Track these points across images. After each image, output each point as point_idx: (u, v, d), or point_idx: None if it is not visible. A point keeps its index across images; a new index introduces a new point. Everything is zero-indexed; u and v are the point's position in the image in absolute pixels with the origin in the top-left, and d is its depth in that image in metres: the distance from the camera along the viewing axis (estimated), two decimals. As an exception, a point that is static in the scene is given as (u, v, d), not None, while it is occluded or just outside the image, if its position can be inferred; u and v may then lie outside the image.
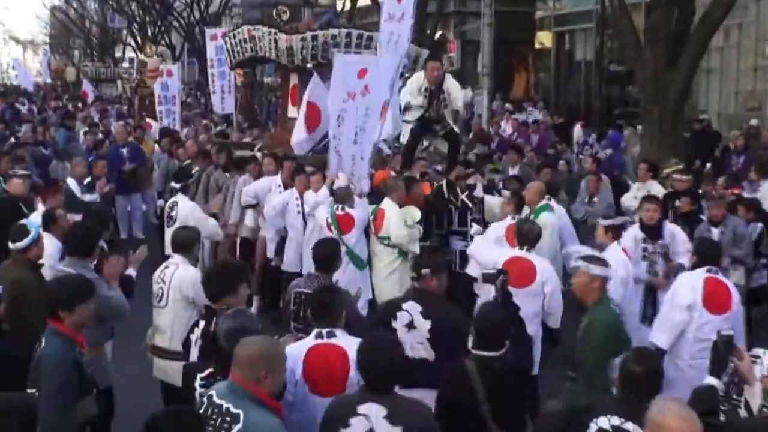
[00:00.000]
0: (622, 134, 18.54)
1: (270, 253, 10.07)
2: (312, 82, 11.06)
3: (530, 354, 6.41)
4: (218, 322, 4.63)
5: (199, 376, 4.36)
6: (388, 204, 8.67)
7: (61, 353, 4.50)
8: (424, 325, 5.38)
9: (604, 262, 5.64)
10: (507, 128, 20.79)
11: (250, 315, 4.73)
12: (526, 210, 8.51)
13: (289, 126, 12.05)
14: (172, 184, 10.02)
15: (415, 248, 8.39)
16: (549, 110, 24.12)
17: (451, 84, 10.15)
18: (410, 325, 5.37)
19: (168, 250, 8.67)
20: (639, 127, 17.17)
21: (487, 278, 6.05)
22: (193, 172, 11.62)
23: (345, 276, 8.15)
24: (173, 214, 9.28)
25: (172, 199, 9.57)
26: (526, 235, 7.05)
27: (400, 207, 8.65)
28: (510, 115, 22.18)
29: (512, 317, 5.42)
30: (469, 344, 4.72)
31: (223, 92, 18.69)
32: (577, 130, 20.05)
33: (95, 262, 6.12)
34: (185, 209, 9.22)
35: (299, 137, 11.18)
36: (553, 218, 8.52)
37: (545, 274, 6.91)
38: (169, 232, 8.93)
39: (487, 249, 7.41)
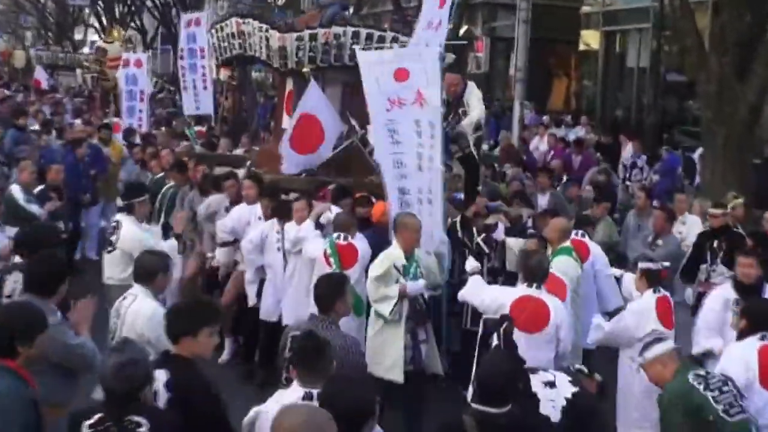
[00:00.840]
0: (679, 157, 18.64)
1: (251, 301, 10.05)
2: (310, 89, 11.14)
3: (538, 411, 6.54)
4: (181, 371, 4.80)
5: (86, 423, 4.45)
6: (391, 247, 8.31)
7: (19, 392, 4.57)
8: (569, 387, 5.67)
9: (661, 338, 6.00)
10: (541, 145, 20.91)
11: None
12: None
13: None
14: (118, 201, 9.96)
15: (383, 310, 7.99)
16: (593, 125, 24.24)
17: (473, 95, 10.34)
18: (551, 384, 5.64)
19: (105, 277, 8.84)
20: (699, 150, 17.29)
21: (490, 325, 6.13)
22: (165, 188, 11.78)
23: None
24: (113, 238, 8.98)
25: (115, 218, 9.35)
26: (533, 270, 7.15)
27: (406, 253, 8.17)
28: (546, 130, 22.33)
29: (520, 369, 5.59)
30: (468, 396, 4.87)
31: (196, 88, 18.77)
32: (628, 150, 20.13)
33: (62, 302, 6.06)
34: (129, 234, 8.88)
35: (292, 158, 11.21)
36: (572, 268, 8.48)
37: (559, 316, 7.04)
38: (107, 259, 9.00)
39: (486, 289, 7.52)
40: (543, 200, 12.73)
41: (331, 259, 8.71)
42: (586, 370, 6.21)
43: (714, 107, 14.04)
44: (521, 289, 7.17)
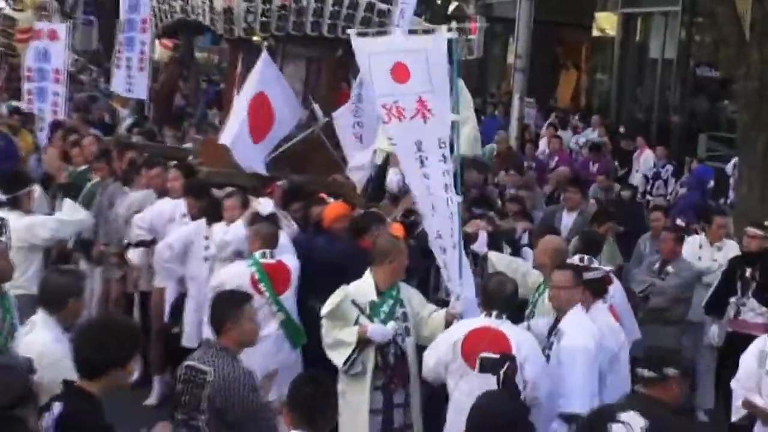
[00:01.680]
0: (711, 170, 18.76)
1: (162, 320, 9.98)
2: (260, 64, 10.96)
3: None
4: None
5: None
6: (362, 278, 8.02)
7: None
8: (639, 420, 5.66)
9: None
10: (545, 148, 21.02)
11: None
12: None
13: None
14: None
15: (336, 359, 7.73)
16: (607, 126, 24.35)
17: (460, 98, 10.12)
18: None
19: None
20: (734, 160, 17.38)
21: (487, 365, 6.24)
22: (90, 184, 11.67)
23: (278, 357, 8.22)
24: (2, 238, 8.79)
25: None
26: (491, 296, 7.19)
27: (381, 287, 7.93)
28: (552, 131, 22.40)
29: (524, 415, 5.65)
30: None
31: (131, 68, 18.67)
32: (647, 158, 20.22)
33: None
34: (18, 225, 8.88)
35: (243, 147, 11.02)
36: None
37: (523, 351, 6.95)
38: None
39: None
40: (569, 220, 12.47)
41: (261, 285, 8.55)
42: None
43: (753, 109, 14.06)
44: (479, 320, 7.22)
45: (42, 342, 6.16)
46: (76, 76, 28.82)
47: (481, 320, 7.19)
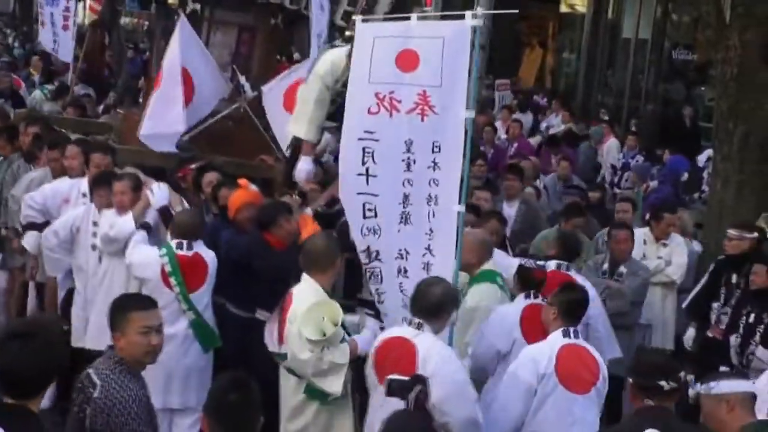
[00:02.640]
0: (686, 161, 18.72)
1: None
2: (179, 30, 10.74)
3: None
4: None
5: None
6: (302, 285, 7.74)
7: None
8: None
9: (743, 375, 6.08)
10: (500, 134, 20.92)
11: None
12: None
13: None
14: None
15: (333, 386, 7.41)
16: (572, 113, 24.30)
17: None
18: None
19: None
20: (708, 152, 17.36)
21: (395, 388, 6.18)
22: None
23: (185, 360, 8.10)
24: None
25: None
26: (414, 301, 7.01)
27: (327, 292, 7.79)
28: (510, 114, 22.29)
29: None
30: None
31: (55, 25, 18.62)
32: (611, 147, 20.16)
33: None
34: None
35: (163, 124, 10.76)
36: (496, 302, 8.24)
37: (429, 367, 6.75)
38: None
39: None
40: (510, 210, 12.42)
41: (172, 279, 8.41)
42: None
43: (731, 97, 14.04)
44: (399, 328, 7.09)
45: None
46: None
47: (401, 329, 7.04)
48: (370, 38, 7.74)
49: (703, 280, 10.52)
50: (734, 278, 10.10)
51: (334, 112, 9.68)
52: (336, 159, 10.61)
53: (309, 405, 7.61)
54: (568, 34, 30.51)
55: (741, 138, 13.89)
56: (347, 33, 11.88)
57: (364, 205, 7.74)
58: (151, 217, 9.14)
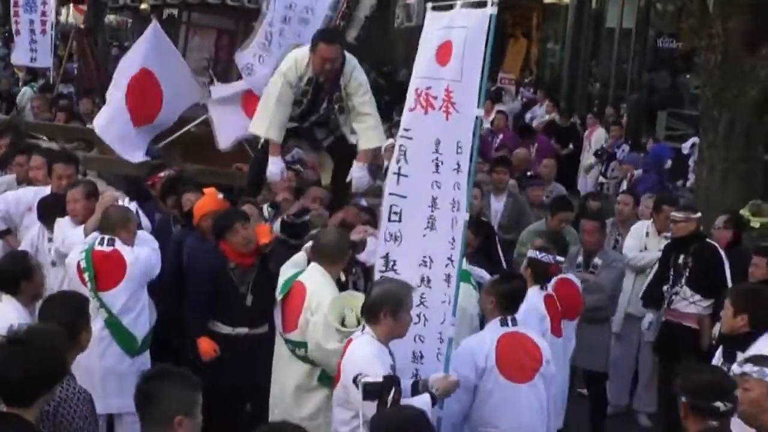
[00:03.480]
0: (669, 148, 18.70)
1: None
2: (150, 32, 10.56)
3: None
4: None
5: None
6: (315, 275, 7.84)
7: None
8: None
9: None
10: (485, 123, 20.85)
11: None
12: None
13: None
14: None
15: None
16: (556, 103, 24.25)
17: (355, 79, 9.62)
18: None
19: None
20: (693, 140, 17.35)
21: (369, 392, 6.17)
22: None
23: (103, 362, 7.92)
24: None
25: None
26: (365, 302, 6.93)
27: (339, 285, 7.87)
28: (493, 105, 22.22)
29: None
30: None
31: (33, 33, 18.47)
32: (599, 137, 20.13)
33: None
34: None
35: (122, 131, 10.61)
36: (471, 302, 8.06)
37: (349, 369, 6.67)
38: None
39: None
40: (498, 204, 12.38)
41: (85, 275, 8.12)
42: None
43: (716, 85, 14.04)
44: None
45: None
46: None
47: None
48: (429, 32, 7.19)
49: (655, 267, 10.55)
50: (681, 258, 10.09)
51: (301, 114, 9.59)
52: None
53: (320, 391, 7.72)
54: (552, 25, 30.46)
55: (726, 125, 13.91)
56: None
57: (391, 207, 7.26)
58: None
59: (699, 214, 10.47)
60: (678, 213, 10.36)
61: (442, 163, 6.98)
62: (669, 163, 17.94)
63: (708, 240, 10.33)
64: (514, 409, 7.16)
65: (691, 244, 10.10)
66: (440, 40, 6.97)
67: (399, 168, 7.18)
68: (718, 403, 5.60)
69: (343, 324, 7.38)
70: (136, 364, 8.17)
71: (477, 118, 6.85)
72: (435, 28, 7.12)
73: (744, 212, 11.43)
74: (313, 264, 7.92)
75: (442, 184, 7.01)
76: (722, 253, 10.07)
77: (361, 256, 8.53)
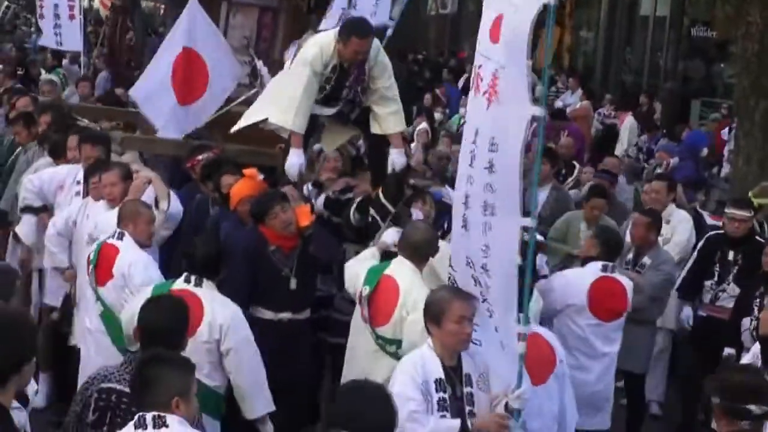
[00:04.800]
0: (704, 135, 18.63)
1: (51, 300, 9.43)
2: (188, 11, 10.46)
3: None
4: None
5: None
6: (406, 272, 7.68)
7: None
8: None
9: None
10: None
11: None
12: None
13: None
14: None
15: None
16: (590, 91, 24.18)
17: (380, 62, 9.28)
18: None
19: None
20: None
21: None
22: (17, 151, 11.35)
23: (98, 358, 7.64)
24: None
25: None
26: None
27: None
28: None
29: None
30: None
31: (59, 17, 18.37)
32: (629, 125, 20.04)
33: None
34: None
35: (167, 108, 10.51)
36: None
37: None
38: None
39: None
40: (540, 197, 11.19)
41: (90, 267, 8.04)
42: None
43: (753, 74, 14.01)
44: None
45: None
46: (6, 25, 28.63)
47: None
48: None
49: (692, 259, 10.23)
50: (731, 255, 9.89)
51: (324, 98, 9.26)
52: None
53: None
54: (585, 12, 30.36)
55: (763, 114, 13.88)
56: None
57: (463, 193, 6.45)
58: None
59: (753, 213, 10.27)
60: (738, 211, 10.01)
61: (474, 158, 6.17)
62: (705, 151, 17.88)
63: (758, 238, 10.10)
64: (530, 413, 6.76)
65: (743, 241, 9.88)
66: (496, 11, 6.07)
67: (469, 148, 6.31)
68: (752, 406, 5.41)
69: None
70: None
71: (531, 117, 5.72)
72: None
73: (753, 193, 11.25)
74: (400, 258, 7.75)
75: (474, 182, 6.21)
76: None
77: None
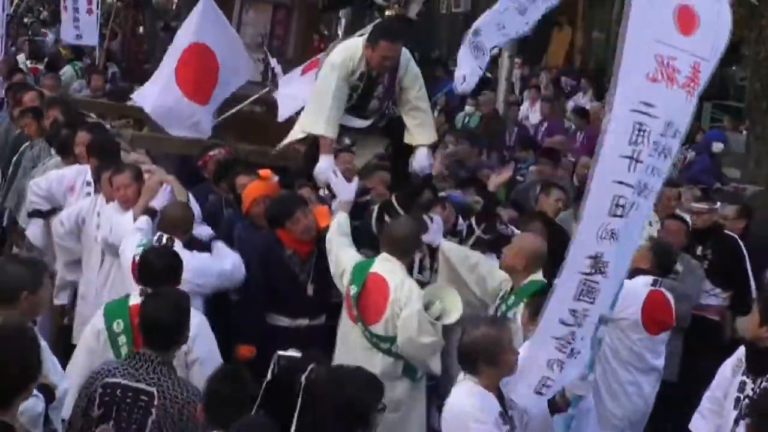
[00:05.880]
0: (721, 132, 18.47)
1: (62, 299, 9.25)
2: (201, 6, 10.37)
3: None
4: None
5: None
6: (393, 268, 7.72)
7: None
8: None
9: None
10: (531, 114, 20.82)
11: None
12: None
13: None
14: None
15: (438, 366, 7.56)
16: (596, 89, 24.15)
17: (411, 71, 9.11)
18: None
19: None
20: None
21: (283, 367, 5.77)
22: (24, 146, 11.23)
23: None
24: None
25: None
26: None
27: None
28: (539, 93, 22.17)
29: None
30: None
31: (78, 11, 18.50)
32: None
33: None
34: None
35: (174, 106, 10.37)
36: None
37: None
38: None
39: None
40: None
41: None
42: None
43: (765, 77, 14.05)
44: None
45: None
46: (20, 19, 28.59)
47: None
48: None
49: None
50: (699, 250, 9.91)
51: (351, 107, 9.05)
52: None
53: (405, 381, 7.68)
54: (597, 13, 30.28)
55: (774, 117, 13.90)
56: (387, 12, 11.67)
57: (614, 198, 5.95)
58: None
59: (719, 205, 10.28)
60: (701, 204, 10.09)
61: (665, 156, 5.98)
62: (719, 146, 17.51)
63: (726, 231, 10.09)
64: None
65: (710, 235, 9.91)
66: (674, 5, 5.96)
67: (633, 151, 5.92)
68: None
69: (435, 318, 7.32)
70: None
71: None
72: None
73: None
74: (385, 255, 7.76)
75: (660, 175, 6.04)
76: (741, 244, 9.91)
77: (426, 237, 8.23)
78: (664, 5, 5.98)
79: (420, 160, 8.97)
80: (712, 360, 7.53)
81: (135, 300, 6.91)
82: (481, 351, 6.04)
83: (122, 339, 6.89)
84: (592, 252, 5.95)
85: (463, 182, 10.68)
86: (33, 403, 5.37)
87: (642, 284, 8.28)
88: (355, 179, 8.68)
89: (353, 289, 7.70)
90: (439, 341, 7.37)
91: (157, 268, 6.92)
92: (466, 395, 6.10)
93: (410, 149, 9.18)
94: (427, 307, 7.31)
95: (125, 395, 5.81)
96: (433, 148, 9.72)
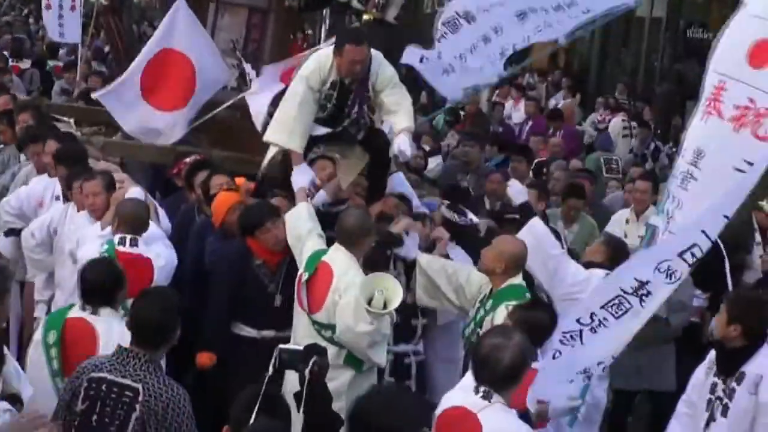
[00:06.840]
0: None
1: (39, 312, 9.04)
2: (175, 11, 10.29)
3: None
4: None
5: None
6: (341, 257, 7.74)
7: None
8: None
9: None
10: (515, 113, 20.78)
11: None
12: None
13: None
14: None
15: (380, 357, 7.55)
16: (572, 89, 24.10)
17: (382, 74, 9.00)
18: None
19: None
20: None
21: (285, 360, 5.67)
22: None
23: None
24: None
25: None
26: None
27: (366, 267, 7.74)
28: (521, 93, 22.09)
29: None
30: None
31: (62, 8, 18.40)
32: (615, 125, 19.91)
33: None
34: None
35: (135, 111, 10.35)
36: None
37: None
38: None
39: None
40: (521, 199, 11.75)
41: None
42: None
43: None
44: (458, 395, 5.94)
45: None
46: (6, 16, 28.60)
47: (465, 395, 5.70)
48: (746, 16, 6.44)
49: None
50: None
51: (328, 117, 9.00)
52: None
53: (346, 372, 7.63)
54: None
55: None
56: (365, 17, 11.60)
57: (692, 245, 6.50)
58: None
59: None
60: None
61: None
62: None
63: None
64: None
65: None
66: (754, 35, 6.15)
67: (689, 170, 6.61)
68: None
69: (369, 305, 7.28)
70: None
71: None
72: (747, 14, 6.32)
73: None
74: (336, 245, 7.78)
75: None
76: (721, 245, 9.53)
77: (401, 251, 8.25)
78: (742, 39, 6.35)
79: (400, 144, 8.85)
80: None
81: (74, 312, 6.80)
82: (509, 373, 5.54)
83: (53, 351, 6.70)
84: (644, 278, 6.18)
85: (449, 193, 10.82)
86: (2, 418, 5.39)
87: (597, 277, 8.10)
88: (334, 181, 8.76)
89: (305, 276, 7.73)
90: (376, 330, 7.32)
91: (95, 285, 6.79)
92: (502, 420, 5.54)
93: (388, 160, 9.25)
94: (370, 300, 7.26)
95: (110, 390, 5.80)
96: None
